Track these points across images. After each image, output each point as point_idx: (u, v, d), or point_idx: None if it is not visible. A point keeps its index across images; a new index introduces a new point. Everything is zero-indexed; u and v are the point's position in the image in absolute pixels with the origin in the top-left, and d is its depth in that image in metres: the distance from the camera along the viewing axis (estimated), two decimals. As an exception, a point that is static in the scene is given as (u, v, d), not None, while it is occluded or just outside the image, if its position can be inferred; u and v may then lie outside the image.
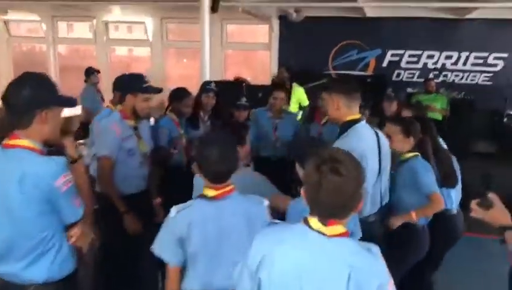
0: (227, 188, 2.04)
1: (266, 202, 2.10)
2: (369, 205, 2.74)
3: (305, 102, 6.60)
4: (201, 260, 2.00)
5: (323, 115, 4.63)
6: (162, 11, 8.63)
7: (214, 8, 5.42)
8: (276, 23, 8.40)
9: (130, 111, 3.19)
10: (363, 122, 2.76)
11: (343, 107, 2.71)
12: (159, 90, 3.25)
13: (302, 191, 1.58)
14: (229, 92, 6.29)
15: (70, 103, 2.07)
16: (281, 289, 1.54)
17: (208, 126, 4.50)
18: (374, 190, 2.77)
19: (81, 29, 9.83)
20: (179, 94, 4.18)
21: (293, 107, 6.42)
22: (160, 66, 8.81)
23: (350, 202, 1.52)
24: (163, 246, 2.02)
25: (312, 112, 5.10)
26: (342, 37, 8.25)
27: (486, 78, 7.73)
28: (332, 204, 1.50)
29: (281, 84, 5.02)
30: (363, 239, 2.41)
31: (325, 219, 1.53)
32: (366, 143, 2.68)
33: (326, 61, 8.38)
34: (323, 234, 1.52)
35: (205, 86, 4.56)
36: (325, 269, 1.51)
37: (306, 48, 8.16)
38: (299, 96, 6.58)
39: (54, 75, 9.03)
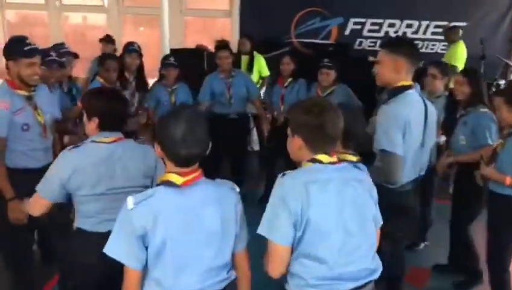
0: (196, 173, 1.76)
1: (237, 188, 1.90)
2: (408, 173, 2.62)
3: (266, 72, 6.52)
4: (168, 261, 1.68)
5: (285, 79, 5.17)
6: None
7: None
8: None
9: (18, 79, 2.88)
10: (414, 89, 2.64)
11: (403, 72, 2.56)
12: (43, 52, 3.04)
13: (296, 138, 1.86)
14: (190, 61, 6.17)
15: None
16: (328, 223, 1.78)
17: (133, 87, 4.62)
18: (415, 159, 2.65)
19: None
20: (102, 58, 4.29)
21: (255, 76, 6.34)
22: (117, 34, 8.45)
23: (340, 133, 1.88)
24: (121, 247, 1.68)
25: (276, 76, 5.41)
26: (305, 4, 8.10)
27: (445, 47, 7.79)
28: (333, 137, 1.84)
29: (224, 44, 5.14)
30: (396, 208, 2.49)
31: (329, 152, 1.86)
32: (413, 111, 2.57)
33: (289, 29, 8.23)
34: (334, 163, 1.86)
35: (128, 47, 4.60)
36: (357, 192, 1.87)
37: (268, 16, 7.98)
38: (260, 65, 6.49)
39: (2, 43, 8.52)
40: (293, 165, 1.95)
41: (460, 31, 6.71)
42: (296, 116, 1.86)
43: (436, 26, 7.85)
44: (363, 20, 8.09)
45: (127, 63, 4.56)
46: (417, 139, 2.62)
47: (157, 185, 1.77)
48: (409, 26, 7.98)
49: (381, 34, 8.08)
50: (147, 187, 2.19)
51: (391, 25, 8.04)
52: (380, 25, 8.07)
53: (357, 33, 8.15)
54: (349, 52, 7.86)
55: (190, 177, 1.73)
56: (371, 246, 1.92)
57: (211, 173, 1.90)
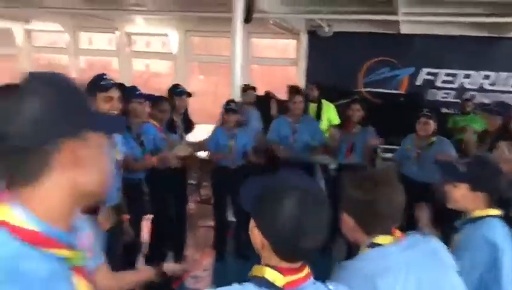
0: (304, 272, 1.25)
1: None
2: None
3: (336, 120, 6.26)
4: None
5: (353, 125, 4.98)
6: (187, 23, 8.39)
7: (247, 19, 5.10)
8: (304, 38, 8.08)
9: None
10: None
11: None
12: (119, 85, 2.88)
13: (346, 216, 1.58)
14: (258, 107, 6.05)
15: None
16: None
17: (181, 129, 4.63)
18: None
19: (102, 41, 9.62)
20: (156, 100, 4.18)
21: (324, 124, 6.09)
22: (183, 81, 8.53)
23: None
24: None
25: (344, 121, 5.30)
26: (374, 53, 7.88)
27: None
28: (389, 217, 1.55)
29: (297, 89, 5.19)
30: None
31: (389, 231, 1.56)
32: None
33: (356, 78, 8.01)
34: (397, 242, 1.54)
35: (176, 89, 4.59)
36: (434, 270, 1.53)
37: (335, 64, 7.81)
38: (330, 114, 6.25)
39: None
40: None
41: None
42: (346, 191, 1.57)
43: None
44: (436, 70, 7.74)
45: (177, 105, 4.55)
46: None
47: (248, 280, 1.25)
48: (486, 77, 7.54)
49: (456, 85, 7.68)
50: None
51: (467, 76, 7.62)
52: (455, 76, 7.68)
53: (429, 84, 7.80)
54: (421, 104, 7.52)
55: (296, 277, 1.22)
56: None
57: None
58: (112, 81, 2.79)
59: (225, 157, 4.67)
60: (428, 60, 7.70)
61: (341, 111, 5.98)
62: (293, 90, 5.38)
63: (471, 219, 2.08)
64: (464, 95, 7.48)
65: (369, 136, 4.84)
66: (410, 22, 7.09)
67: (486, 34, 7.22)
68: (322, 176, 6.35)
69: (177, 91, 4.59)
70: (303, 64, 8.14)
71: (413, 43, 7.68)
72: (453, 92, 7.71)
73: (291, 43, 8.44)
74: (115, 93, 2.78)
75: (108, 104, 2.73)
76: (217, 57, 8.84)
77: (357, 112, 4.89)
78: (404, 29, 7.37)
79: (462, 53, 7.49)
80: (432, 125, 4.53)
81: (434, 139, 4.53)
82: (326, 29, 7.60)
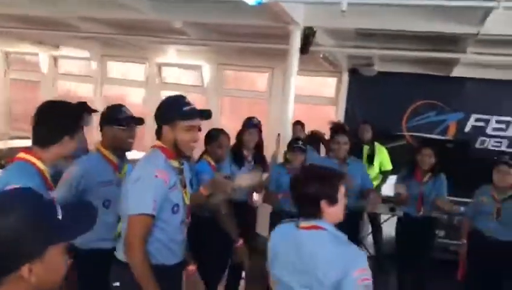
0: None
1: None
2: None
3: (389, 165, 5.74)
4: None
5: (424, 173, 4.40)
6: (221, 56, 8.04)
7: (304, 50, 4.66)
8: (345, 76, 7.67)
9: (173, 147, 2.28)
10: None
11: None
12: (208, 115, 2.34)
13: None
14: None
15: None
16: None
17: (252, 165, 4.24)
18: None
19: (130, 71, 9.26)
20: (213, 134, 3.73)
21: (375, 168, 5.57)
22: (215, 115, 8.11)
23: None
24: None
25: (411, 168, 4.51)
26: (419, 95, 7.42)
27: None
28: None
29: (342, 128, 4.50)
30: None
31: None
32: None
33: (400, 121, 7.51)
34: None
35: (248, 122, 4.23)
36: None
37: (376, 105, 7.34)
38: (383, 157, 5.73)
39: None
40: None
41: None
42: None
43: None
44: (486, 117, 7.24)
45: (245, 140, 4.21)
46: None
47: None
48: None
49: (509, 133, 7.16)
50: None
51: (521, 124, 7.12)
52: (507, 123, 7.17)
53: (479, 131, 7.27)
54: (470, 151, 7.01)
55: None
56: None
57: None
58: (198, 110, 2.30)
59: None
60: (478, 105, 7.22)
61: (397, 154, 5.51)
62: (338, 128, 4.71)
63: None
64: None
65: (441, 186, 4.31)
66: (462, 64, 6.65)
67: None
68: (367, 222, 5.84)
69: (248, 124, 4.24)
70: (342, 103, 7.71)
71: (462, 86, 7.22)
72: (505, 141, 7.18)
73: (331, 81, 8.03)
74: (198, 123, 2.28)
75: (189, 134, 2.25)
76: (252, 92, 8.43)
77: (428, 157, 4.34)
78: (456, 72, 6.93)
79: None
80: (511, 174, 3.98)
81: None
82: (370, 68, 7.18)
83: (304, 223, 1.92)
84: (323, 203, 1.88)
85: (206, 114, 2.30)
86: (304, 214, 1.93)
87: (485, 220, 4.01)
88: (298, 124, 5.63)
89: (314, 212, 1.89)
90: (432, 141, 7.20)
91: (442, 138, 7.32)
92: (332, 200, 1.89)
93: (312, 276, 1.81)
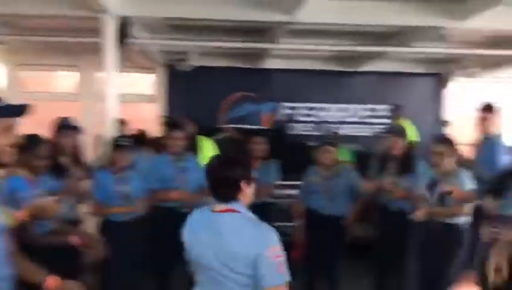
0: None
1: None
2: None
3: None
4: None
5: (257, 161, 4.38)
6: (17, 55, 7.05)
7: (119, 43, 4.28)
8: (163, 72, 7.47)
9: None
10: None
11: None
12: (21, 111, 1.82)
13: None
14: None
15: None
16: None
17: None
18: None
19: None
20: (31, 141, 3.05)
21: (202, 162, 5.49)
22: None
23: None
24: None
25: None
26: (235, 88, 7.65)
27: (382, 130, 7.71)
28: None
29: (174, 122, 4.40)
30: None
31: None
32: None
33: (220, 114, 7.63)
34: None
35: (62, 123, 3.73)
36: None
37: (196, 100, 7.28)
38: (207, 151, 5.67)
39: None
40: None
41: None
42: None
43: (372, 110, 7.83)
44: (296, 104, 7.82)
45: (62, 144, 3.69)
46: None
47: None
48: (344, 110, 7.88)
49: (316, 118, 7.86)
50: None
51: (326, 109, 7.87)
52: (314, 109, 7.86)
53: (290, 118, 7.84)
54: (286, 138, 7.48)
55: None
56: None
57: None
58: (13, 106, 1.79)
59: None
60: (288, 95, 7.74)
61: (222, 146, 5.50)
62: (172, 124, 4.51)
63: None
64: (324, 127, 7.66)
65: (273, 171, 4.41)
66: (274, 56, 7.02)
67: (344, 69, 7.54)
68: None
69: (63, 125, 3.69)
70: (163, 100, 7.50)
71: (273, 77, 7.68)
72: (312, 125, 7.84)
73: (149, 78, 7.74)
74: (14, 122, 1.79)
75: (4, 137, 1.74)
76: (57, 94, 7.63)
77: (258, 145, 4.40)
78: (267, 64, 7.29)
79: (320, 87, 7.70)
80: (335, 152, 4.28)
81: (339, 167, 4.30)
82: (188, 62, 7.11)
83: (218, 207, 2.00)
84: (243, 184, 1.98)
85: (21, 110, 1.83)
86: (222, 198, 2.00)
87: (316, 199, 4.20)
88: (121, 123, 5.21)
89: (233, 195, 1.99)
90: (254, 131, 7.47)
91: (260, 127, 7.64)
92: (250, 180, 2.02)
93: (230, 256, 1.92)
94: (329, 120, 7.82)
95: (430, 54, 6.95)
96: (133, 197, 3.79)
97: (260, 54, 6.87)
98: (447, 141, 3.71)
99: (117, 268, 3.63)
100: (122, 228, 3.71)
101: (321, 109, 7.87)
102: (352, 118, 7.88)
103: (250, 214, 2.03)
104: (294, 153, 5.92)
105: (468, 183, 3.50)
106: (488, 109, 4.26)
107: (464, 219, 3.56)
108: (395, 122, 6.61)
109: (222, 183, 1.98)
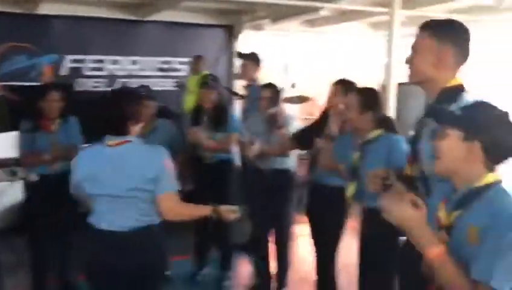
0: None
1: None
2: None
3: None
4: None
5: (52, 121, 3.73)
6: None
7: None
8: None
9: None
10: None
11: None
12: None
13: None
14: None
15: None
16: None
17: None
18: None
19: None
20: None
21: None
22: None
23: None
24: None
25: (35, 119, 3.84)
26: (5, 38, 6.43)
27: (174, 84, 7.44)
28: None
29: None
30: None
31: None
32: None
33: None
34: None
35: None
36: None
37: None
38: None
39: None
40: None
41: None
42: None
43: (163, 62, 7.49)
44: (82, 57, 7.01)
45: None
46: None
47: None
48: (134, 62, 7.33)
49: (106, 72, 7.18)
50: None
51: (115, 62, 7.23)
52: (103, 62, 7.16)
53: (77, 72, 7.01)
54: (71, 94, 6.66)
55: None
56: None
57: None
58: None
59: None
60: (72, 46, 6.87)
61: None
62: None
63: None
64: (115, 82, 7.08)
65: (74, 129, 3.80)
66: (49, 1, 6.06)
67: (131, 17, 6.94)
68: None
69: None
70: None
71: (54, 26, 6.72)
72: (103, 80, 7.17)
73: None
74: None
75: None
76: None
77: (55, 103, 3.68)
78: (43, 9, 6.27)
79: (108, 37, 7.03)
80: (153, 107, 3.90)
81: (155, 123, 3.94)
82: None
83: (111, 141, 2.22)
84: (130, 123, 2.23)
85: None
86: (112, 133, 2.21)
87: None
88: None
89: (122, 131, 2.21)
90: (26, 88, 6.43)
91: (38, 84, 6.60)
92: (137, 120, 2.27)
93: (134, 179, 2.18)
94: (120, 74, 7.22)
95: (220, 4, 6.86)
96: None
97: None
98: (272, 86, 3.93)
99: None
100: None
101: (112, 62, 7.21)
102: (143, 71, 7.39)
103: (141, 139, 2.33)
104: (86, 111, 5.28)
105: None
106: (249, 57, 4.74)
107: (292, 163, 3.82)
108: (196, 75, 6.44)
109: (112, 119, 2.23)
